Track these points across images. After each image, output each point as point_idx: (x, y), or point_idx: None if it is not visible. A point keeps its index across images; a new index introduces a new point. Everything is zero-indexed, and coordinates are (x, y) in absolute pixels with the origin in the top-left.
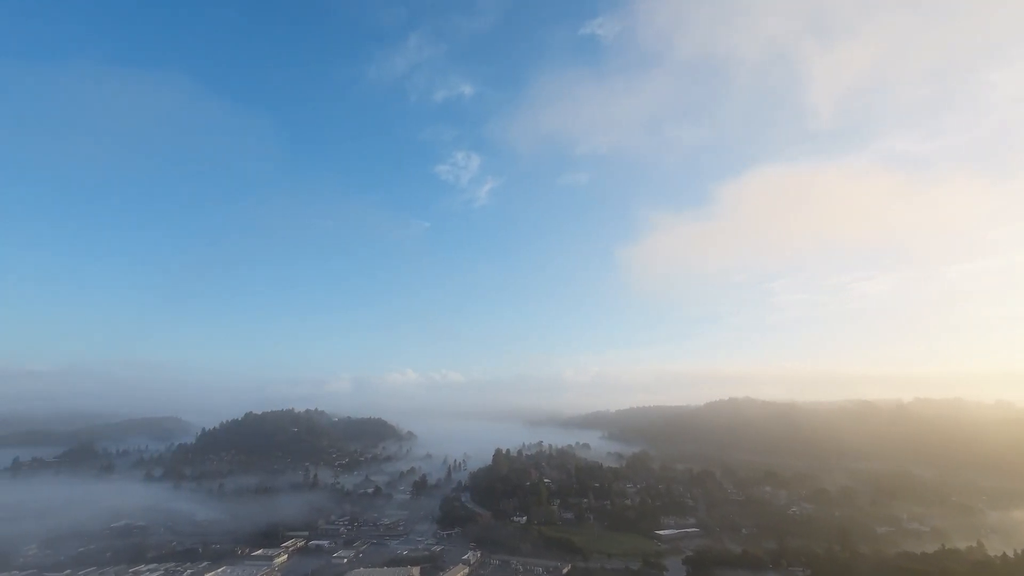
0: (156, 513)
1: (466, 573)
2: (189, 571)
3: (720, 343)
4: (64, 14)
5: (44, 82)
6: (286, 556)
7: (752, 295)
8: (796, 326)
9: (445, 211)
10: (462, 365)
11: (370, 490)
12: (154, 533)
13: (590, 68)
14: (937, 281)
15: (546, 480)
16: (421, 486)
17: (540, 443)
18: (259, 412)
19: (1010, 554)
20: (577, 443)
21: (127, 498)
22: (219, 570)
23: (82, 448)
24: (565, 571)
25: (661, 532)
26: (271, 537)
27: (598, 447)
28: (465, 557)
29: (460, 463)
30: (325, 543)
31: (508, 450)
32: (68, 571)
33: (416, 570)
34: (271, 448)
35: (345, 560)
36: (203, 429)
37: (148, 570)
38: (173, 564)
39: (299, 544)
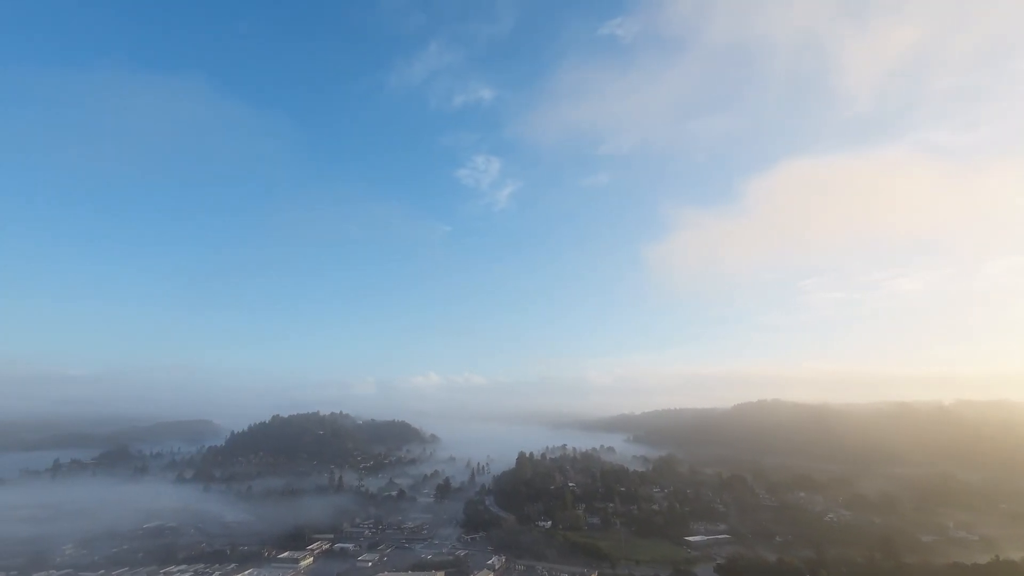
0: (187, 514)
1: None
2: (217, 573)
3: (747, 344)
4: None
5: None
6: (311, 559)
7: (781, 294)
8: (827, 326)
9: (467, 215)
10: (484, 368)
11: (394, 493)
12: (184, 534)
13: (610, 64)
14: (976, 278)
15: (571, 484)
16: (445, 489)
17: (564, 446)
18: (286, 415)
19: None
20: (601, 446)
21: (159, 499)
22: (246, 572)
23: (118, 450)
24: None
25: (691, 538)
26: (297, 539)
27: (623, 450)
28: (490, 562)
29: (483, 466)
30: (350, 546)
31: (532, 453)
32: (102, 571)
33: (441, 575)
34: (297, 450)
35: (370, 564)
36: (232, 432)
37: (178, 571)
38: (202, 565)
39: (324, 547)
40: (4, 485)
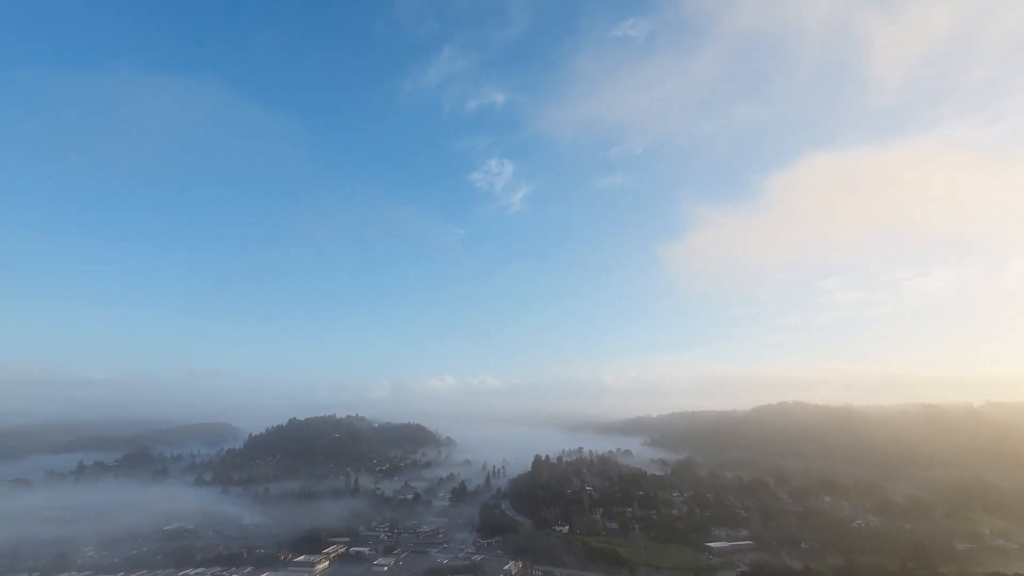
0: (205, 517)
1: None
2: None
3: (766, 344)
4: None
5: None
6: (327, 563)
7: (801, 294)
8: (848, 326)
9: (481, 218)
10: (500, 370)
11: (410, 496)
12: (202, 537)
13: (624, 63)
14: (1005, 276)
15: (588, 488)
16: (460, 493)
17: (580, 449)
18: (302, 418)
19: None
20: (618, 449)
21: (179, 502)
22: None
23: (139, 453)
24: None
25: (712, 544)
26: (313, 542)
27: (640, 453)
28: (507, 568)
29: (499, 469)
30: (365, 550)
31: (548, 456)
32: (122, 573)
33: None
34: (314, 453)
35: (385, 568)
36: (250, 434)
37: (195, 574)
38: (219, 568)
39: (340, 550)
40: (30, 487)
